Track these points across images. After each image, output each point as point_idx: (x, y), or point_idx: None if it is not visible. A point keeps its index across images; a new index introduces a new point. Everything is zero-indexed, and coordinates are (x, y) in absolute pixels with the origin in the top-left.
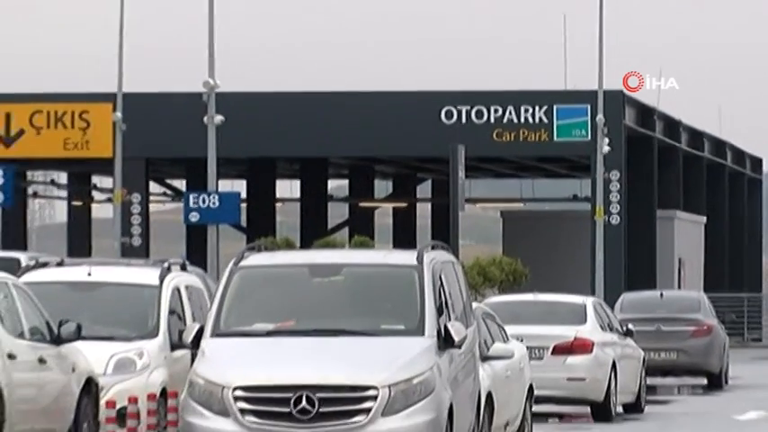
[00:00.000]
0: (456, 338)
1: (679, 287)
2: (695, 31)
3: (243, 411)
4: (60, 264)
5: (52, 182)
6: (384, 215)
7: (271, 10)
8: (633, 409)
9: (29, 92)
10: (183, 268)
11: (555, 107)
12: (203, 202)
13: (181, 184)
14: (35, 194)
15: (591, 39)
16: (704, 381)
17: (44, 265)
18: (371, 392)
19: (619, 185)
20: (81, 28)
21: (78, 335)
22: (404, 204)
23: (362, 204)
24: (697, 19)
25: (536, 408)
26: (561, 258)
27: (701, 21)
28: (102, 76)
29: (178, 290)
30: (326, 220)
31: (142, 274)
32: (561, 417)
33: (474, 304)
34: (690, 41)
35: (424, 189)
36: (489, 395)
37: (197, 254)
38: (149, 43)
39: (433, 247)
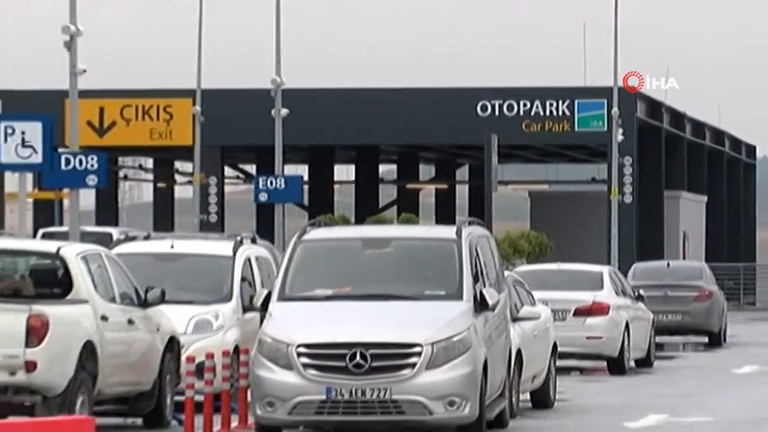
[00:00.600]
0: (490, 302)
1: (683, 258)
2: (698, 34)
3: (305, 366)
4: (147, 238)
5: (140, 166)
6: (428, 195)
7: (327, 15)
8: (644, 363)
9: (119, 88)
10: (254, 241)
11: (576, 101)
12: (271, 183)
13: (252, 168)
14: (125, 177)
15: (607, 42)
16: (706, 339)
17: (133, 238)
18: (417, 349)
19: (631, 169)
20: (162, 30)
21: (162, 299)
22: (445, 186)
23: (409, 186)
24: (701, 23)
25: (559, 363)
26: (581, 233)
27: (704, 25)
28: (183, 74)
29: (249, 260)
30: (378, 200)
31: (218, 246)
32: (581, 371)
33: (505, 273)
34: (693, 44)
35: (462, 173)
36: (519, 352)
37: (265, 229)
38: (224, 44)
39: (470, 223)
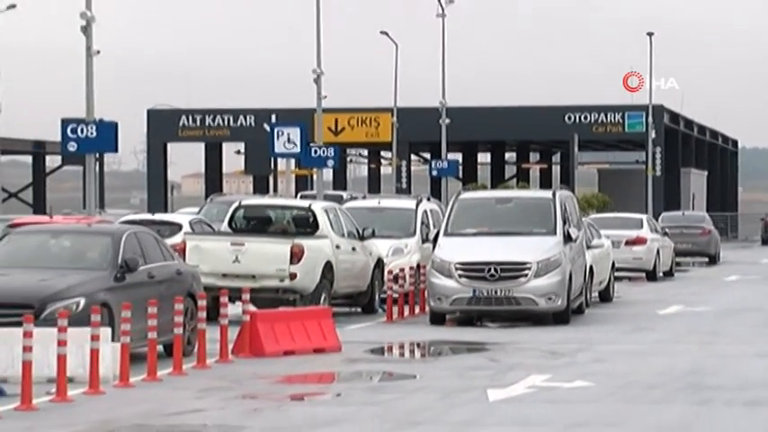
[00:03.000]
0: (573, 236)
1: (693, 209)
2: (707, 63)
3: (460, 275)
4: (364, 197)
5: (359, 154)
6: (534, 171)
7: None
8: (668, 274)
9: (347, 107)
10: (428, 200)
11: (626, 113)
12: (439, 164)
13: (428, 155)
14: (350, 161)
15: (643, 73)
16: (706, 259)
17: (355, 198)
18: (528, 265)
19: (660, 155)
20: (368, 69)
21: (373, 235)
22: (545, 165)
23: (523, 166)
24: (708, 56)
25: (616, 274)
26: (629, 194)
27: (710, 57)
28: (385, 97)
29: (425, 211)
30: (504, 174)
31: (406, 202)
32: (630, 279)
33: (582, 219)
34: (702, 71)
35: (556, 158)
36: (591, 267)
37: (435, 192)
38: (410, 77)
39: (560, 188)
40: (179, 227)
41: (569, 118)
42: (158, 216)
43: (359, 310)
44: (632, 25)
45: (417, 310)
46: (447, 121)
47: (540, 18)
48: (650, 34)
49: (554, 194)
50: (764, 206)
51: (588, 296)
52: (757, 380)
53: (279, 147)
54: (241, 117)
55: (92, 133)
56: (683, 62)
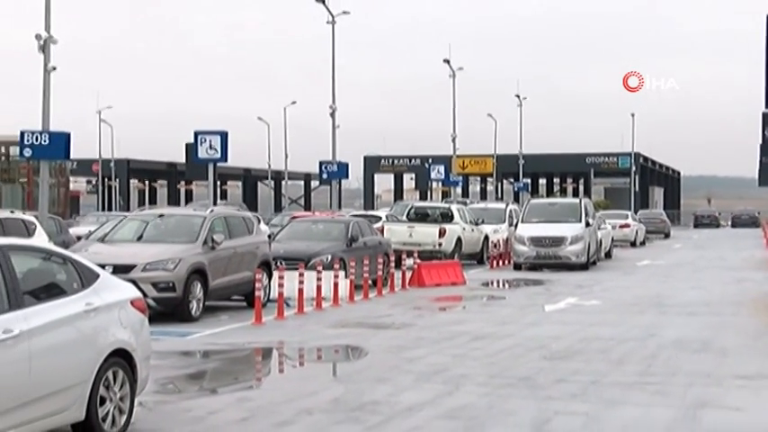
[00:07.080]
0: (590, 223)
1: (656, 208)
2: (668, 122)
3: (529, 243)
4: (477, 202)
5: (475, 180)
6: (569, 188)
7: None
8: (642, 244)
9: (468, 154)
10: (512, 203)
11: (619, 157)
12: (518, 185)
13: (512, 180)
14: (470, 183)
15: (627, 133)
16: (663, 236)
17: (472, 203)
18: (566, 238)
19: (637, 180)
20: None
21: (483, 222)
22: (575, 185)
23: (563, 185)
24: (672, 115)
25: (614, 243)
26: (621, 200)
27: (673, 115)
28: (488, 147)
29: (511, 209)
30: (553, 190)
31: (500, 205)
32: (621, 246)
33: (596, 213)
34: (660, 127)
35: (581, 181)
36: (601, 240)
37: (516, 200)
38: (502, 134)
39: (584, 197)
40: (380, 218)
41: (588, 160)
42: (369, 212)
43: (475, 262)
44: (619, 100)
45: (506, 262)
46: (522, 161)
47: (564, 101)
48: (632, 114)
49: (580, 200)
50: (694, 207)
51: (598, 255)
52: (693, 301)
53: (433, 176)
54: (413, 160)
55: (335, 169)
56: (652, 126)
